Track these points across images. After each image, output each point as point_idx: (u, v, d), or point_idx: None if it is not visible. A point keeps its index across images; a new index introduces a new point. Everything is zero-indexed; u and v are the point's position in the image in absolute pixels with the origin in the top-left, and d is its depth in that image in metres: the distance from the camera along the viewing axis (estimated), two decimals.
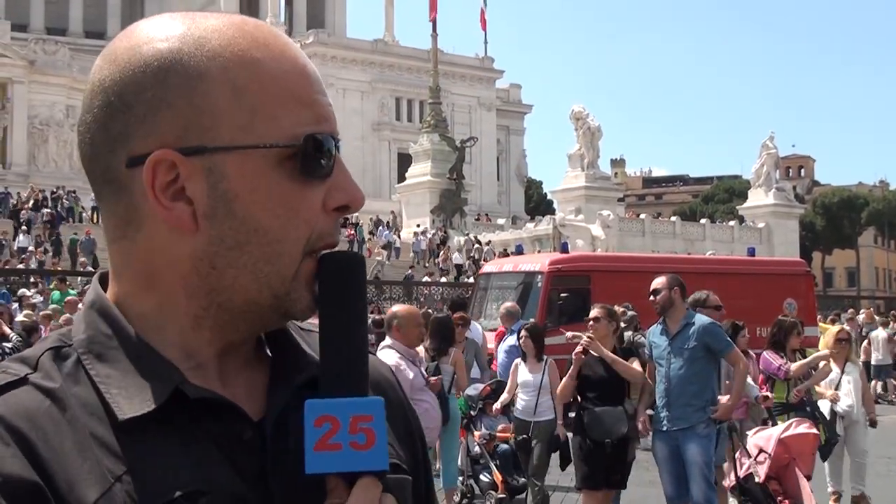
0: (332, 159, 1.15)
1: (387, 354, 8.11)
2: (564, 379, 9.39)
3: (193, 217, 1.12)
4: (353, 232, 52.45)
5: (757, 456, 8.76)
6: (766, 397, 9.90)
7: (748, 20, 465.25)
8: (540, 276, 21.32)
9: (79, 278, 30.23)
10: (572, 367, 9.21)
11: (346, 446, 1.03)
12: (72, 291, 22.46)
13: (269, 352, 1.25)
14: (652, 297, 8.77)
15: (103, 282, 1.22)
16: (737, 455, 9.04)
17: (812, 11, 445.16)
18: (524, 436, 10.60)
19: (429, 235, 51.43)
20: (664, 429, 8.71)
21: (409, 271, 44.63)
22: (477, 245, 51.05)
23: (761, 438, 8.87)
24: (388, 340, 8.25)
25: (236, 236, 1.12)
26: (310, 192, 1.13)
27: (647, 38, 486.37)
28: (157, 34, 1.14)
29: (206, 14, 1.18)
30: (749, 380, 9.45)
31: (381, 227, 55.95)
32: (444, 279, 44.02)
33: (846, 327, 11.71)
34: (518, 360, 11.06)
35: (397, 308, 8.70)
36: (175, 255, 1.14)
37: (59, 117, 67.82)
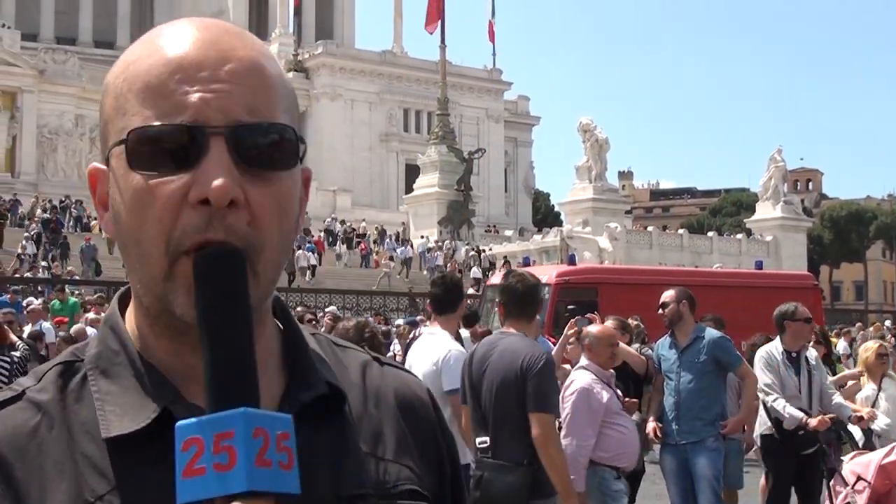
0: (189, 150, 1.08)
1: (580, 375, 7.38)
2: (555, 350, 9.28)
3: (110, 223, 1.16)
4: (365, 245, 52.49)
5: (855, 484, 8.06)
6: (861, 418, 8.93)
7: (757, 33, 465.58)
8: (547, 288, 21.28)
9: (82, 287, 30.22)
10: (561, 340, 9.15)
11: (210, 469, 0.93)
12: (72, 300, 22.07)
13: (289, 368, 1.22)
14: (661, 311, 8.75)
15: (127, 297, 1.23)
16: (831, 483, 8.16)
17: (821, 26, 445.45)
18: None
19: (444, 250, 50.93)
20: (673, 442, 8.68)
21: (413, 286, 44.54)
22: (474, 253, 51.04)
23: (859, 465, 7.87)
24: (583, 360, 7.55)
25: (122, 239, 1.13)
26: (161, 186, 1.07)
27: (655, 51, 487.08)
28: None
29: (159, 26, 1.19)
30: (840, 398, 8.99)
31: (388, 239, 55.79)
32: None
33: (885, 343, 11.19)
34: None
35: (592, 328, 7.90)
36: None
37: (68, 126, 68.05)
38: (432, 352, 6.93)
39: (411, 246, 51.56)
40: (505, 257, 51.63)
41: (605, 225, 51.73)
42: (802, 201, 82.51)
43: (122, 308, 1.23)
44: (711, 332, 8.76)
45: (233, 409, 0.95)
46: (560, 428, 6.82)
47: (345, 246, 53.70)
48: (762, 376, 8.64)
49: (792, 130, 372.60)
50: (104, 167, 1.16)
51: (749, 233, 66.05)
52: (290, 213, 1.15)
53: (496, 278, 26.31)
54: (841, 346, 23.46)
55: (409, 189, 65.96)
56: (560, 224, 62.56)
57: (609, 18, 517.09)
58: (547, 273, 23.03)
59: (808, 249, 70.67)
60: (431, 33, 66.60)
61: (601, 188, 57.76)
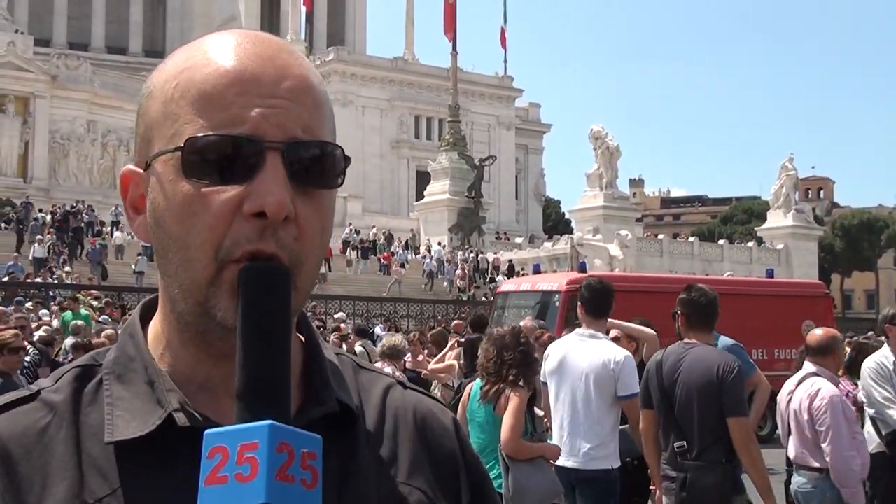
0: (247, 162, 1.11)
1: (824, 384, 6.97)
2: None
3: (147, 228, 1.18)
4: (388, 255, 52.54)
5: None
6: None
7: (768, 41, 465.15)
8: (558, 296, 21.25)
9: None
10: None
11: (231, 479, 0.95)
12: (83, 312, 21.59)
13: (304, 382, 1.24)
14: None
15: (151, 307, 1.27)
16: None
17: (833, 33, 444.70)
18: None
19: (459, 261, 50.66)
20: None
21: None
22: (471, 256, 51.05)
23: None
24: (810, 366, 7.17)
25: (162, 244, 1.15)
26: (215, 196, 1.10)
27: (666, 59, 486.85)
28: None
29: (208, 35, 1.21)
30: None
31: (394, 244, 55.64)
32: (462, 297, 44.08)
33: None
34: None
35: (817, 331, 7.55)
36: (158, 270, 1.20)
37: (80, 132, 68.15)
38: (603, 356, 7.04)
39: (431, 255, 51.31)
40: (510, 261, 51.69)
41: (615, 232, 51.65)
42: (814, 209, 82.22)
43: (146, 317, 1.26)
44: (725, 340, 8.71)
45: (260, 422, 0.96)
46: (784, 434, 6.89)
47: (356, 253, 53.77)
48: (876, 390, 7.75)
49: (803, 139, 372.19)
50: (140, 170, 1.18)
51: (760, 241, 65.88)
52: (330, 231, 1.18)
53: (507, 286, 26.29)
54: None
55: (419, 196, 65.95)
56: (570, 231, 62.47)
57: (621, 26, 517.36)
58: (557, 280, 23.00)
59: (820, 258, 70.46)
60: (451, 40, 66.60)
61: (612, 196, 57.67)
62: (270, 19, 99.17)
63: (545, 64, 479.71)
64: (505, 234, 70.58)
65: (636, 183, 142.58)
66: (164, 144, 1.14)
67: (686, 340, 6.42)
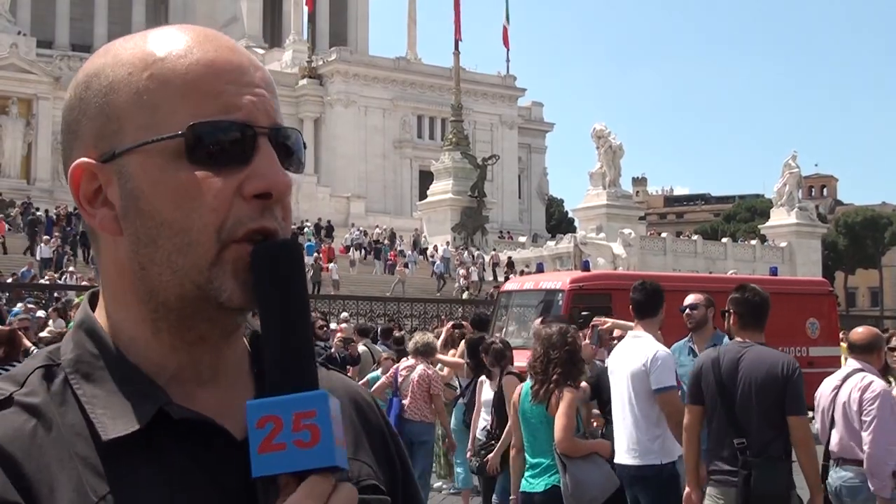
0: (245, 147, 1.15)
1: (874, 379, 7.13)
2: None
3: (116, 220, 1.17)
4: (395, 254, 52.65)
5: None
6: None
7: (771, 39, 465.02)
8: (561, 294, 21.24)
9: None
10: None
11: (290, 445, 1.00)
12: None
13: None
14: (689, 311, 8.72)
15: (94, 300, 1.26)
16: None
17: (835, 31, 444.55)
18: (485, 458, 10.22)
19: (469, 266, 50.56)
20: None
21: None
22: (476, 254, 51.13)
23: None
24: (853, 363, 7.36)
25: (148, 233, 1.15)
26: (215, 180, 1.13)
27: (669, 57, 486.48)
28: (96, 54, 1.22)
29: (150, 29, 1.23)
30: None
31: (405, 248, 55.64)
32: (465, 295, 44.10)
33: None
34: (483, 378, 10.86)
35: (859, 329, 7.75)
36: (117, 261, 1.19)
37: None
38: (640, 353, 7.31)
39: (437, 254, 51.20)
40: (509, 257, 51.68)
41: (618, 231, 51.68)
42: (817, 207, 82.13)
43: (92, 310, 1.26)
44: (728, 340, 8.74)
45: (315, 391, 1.03)
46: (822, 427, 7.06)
47: (358, 252, 53.86)
48: None
49: (806, 136, 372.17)
50: (94, 162, 1.17)
51: (763, 239, 65.86)
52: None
53: (511, 285, 26.29)
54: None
55: (422, 195, 65.99)
56: (574, 230, 62.55)
57: (623, 24, 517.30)
58: (561, 279, 22.98)
59: (823, 255, 70.41)
60: (459, 39, 66.69)
61: (615, 194, 57.70)
62: (272, 19, 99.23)
63: (548, 63, 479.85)
64: (508, 233, 70.60)
65: (639, 181, 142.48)
66: (143, 135, 1.15)
67: (740, 339, 6.57)
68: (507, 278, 40.76)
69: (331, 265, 45.40)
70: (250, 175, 1.14)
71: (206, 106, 1.14)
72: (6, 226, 47.02)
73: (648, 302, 7.63)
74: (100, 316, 1.23)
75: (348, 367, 14.54)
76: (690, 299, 8.80)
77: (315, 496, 1.01)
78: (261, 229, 1.14)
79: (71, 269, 39.16)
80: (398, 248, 55.72)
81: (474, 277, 47.49)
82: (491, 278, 49.02)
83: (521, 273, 41.72)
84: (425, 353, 11.90)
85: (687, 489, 6.67)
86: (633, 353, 7.44)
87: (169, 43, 1.18)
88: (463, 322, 18.17)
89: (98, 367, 1.17)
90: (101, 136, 1.17)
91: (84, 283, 34.26)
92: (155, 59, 1.17)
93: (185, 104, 1.14)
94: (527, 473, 7.35)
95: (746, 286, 6.78)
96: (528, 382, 7.14)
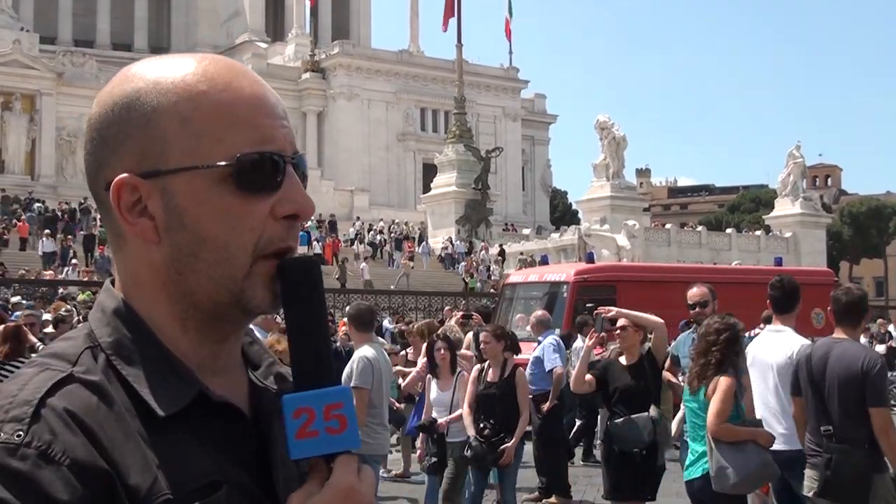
0: (278, 174, 1.32)
1: None
2: (577, 366, 9.35)
3: (156, 230, 1.31)
4: (411, 245, 52.75)
5: None
6: None
7: (774, 29, 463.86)
8: (566, 286, 21.29)
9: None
10: (584, 351, 9.23)
11: (322, 432, 1.21)
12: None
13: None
14: (699, 309, 8.80)
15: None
16: None
17: (838, 20, 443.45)
18: (434, 458, 10.37)
19: (486, 256, 50.17)
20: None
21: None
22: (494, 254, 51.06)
23: None
24: None
25: (190, 245, 1.31)
26: (253, 203, 1.30)
27: (672, 48, 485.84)
28: (128, 77, 1.35)
29: (176, 56, 1.37)
30: None
31: (423, 243, 55.50)
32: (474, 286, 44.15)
33: None
34: (429, 377, 10.86)
35: None
36: (151, 265, 1.33)
37: (86, 129, 68.40)
38: (785, 347, 7.73)
39: (452, 247, 50.89)
40: (500, 246, 51.66)
41: (623, 223, 51.57)
42: (821, 197, 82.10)
43: None
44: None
45: (340, 386, 1.24)
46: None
47: (362, 246, 53.87)
48: None
49: (810, 126, 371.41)
50: (140, 180, 1.31)
51: (768, 229, 65.75)
52: None
53: (516, 277, 26.29)
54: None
55: (426, 188, 65.93)
56: (578, 222, 62.36)
57: (625, 15, 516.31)
58: (565, 271, 23.02)
59: (828, 245, 70.31)
60: (445, 30, 66.65)
61: (619, 186, 57.64)
62: (275, 13, 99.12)
63: (550, 55, 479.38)
64: (512, 225, 70.55)
65: (643, 173, 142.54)
66: (188, 159, 1.30)
67: (835, 335, 7.02)
68: (500, 266, 40.76)
69: (363, 265, 45.71)
70: (281, 199, 1.32)
71: (247, 136, 1.31)
72: (28, 226, 46.97)
73: (786, 298, 8.01)
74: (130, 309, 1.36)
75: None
76: (697, 295, 8.82)
77: (353, 471, 1.22)
78: (287, 249, 1.33)
79: (74, 261, 39.24)
80: (414, 238, 55.92)
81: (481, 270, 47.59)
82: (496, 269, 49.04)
83: (523, 264, 41.69)
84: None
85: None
86: (778, 347, 7.82)
87: (209, 76, 1.33)
88: (472, 313, 18.19)
89: (136, 351, 1.30)
90: (146, 155, 1.31)
91: (84, 278, 34.37)
92: (199, 92, 1.31)
93: (229, 135, 1.30)
94: (688, 460, 7.57)
95: (841, 286, 7.33)
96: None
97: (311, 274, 1.29)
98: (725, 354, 7.08)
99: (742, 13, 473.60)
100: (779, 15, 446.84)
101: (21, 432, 1.16)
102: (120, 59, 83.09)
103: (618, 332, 9.22)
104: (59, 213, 50.16)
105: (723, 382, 6.98)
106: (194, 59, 1.36)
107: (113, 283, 1.40)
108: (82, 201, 52.51)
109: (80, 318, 20.41)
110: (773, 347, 7.90)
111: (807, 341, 7.93)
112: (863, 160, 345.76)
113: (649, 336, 9.37)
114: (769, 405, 7.78)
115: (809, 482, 6.93)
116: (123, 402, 1.24)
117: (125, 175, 1.31)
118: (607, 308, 10.00)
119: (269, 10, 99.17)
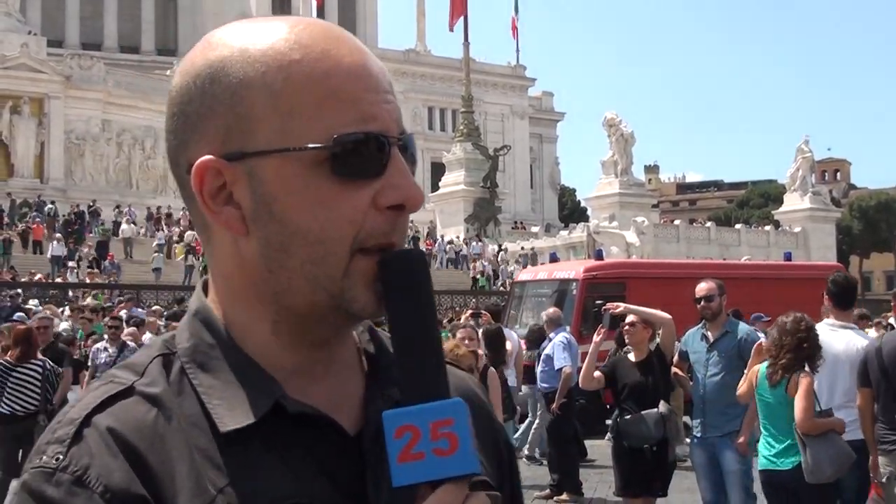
0: (382, 157, 1.13)
1: None
2: (585, 363, 9.34)
3: (242, 220, 1.14)
4: (430, 243, 52.76)
5: None
6: None
7: (783, 23, 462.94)
8: (575, 284, 21.24)
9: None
10: (592, 347, 9.20)
11: (429, 454, 1.01)
12: (99, 325, 21.01)
13: (365, 365, 1.26)
14: (705, 304, 8.75)
15: (205, 289, 1.25)
16: None
17: (847, 15, 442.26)
18: None
19: (473, 253, 50.35)
20: (701, 436, 8.69)
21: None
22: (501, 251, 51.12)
23: None
24: None
25: (280, 238, 1.13)
26: (353, 191, 1.12)
27: (679, 44, 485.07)
28: (213, 43, 1.17)
29: (266, 18, 1.19)
30: None
31: (439, 244, 55.56)
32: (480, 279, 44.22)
33: None
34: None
35: None
36: (240, 260, 1.16)
37: (94, 132, 68.34)
38: (854, 342, 7.86)
39: (468, 247, 50.91)
40: (499, 244, 51.67)
41: (631, 219, 51.60)
42: (830, 192, 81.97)
43: None
44: (743, 328, 8.84)
45: (449, 399, 1.04)
46: None
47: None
48: None
49: (819, 121, 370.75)
50: (221, 160, 1.14)
51: (777, 224, 65.70)
52: None
53: (525, 274, 26.30)
54: (872, 335, 23.27)
55: (434, 187, 66.00)
56: (586, 219, 62.45)
57: (633, 12, 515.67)
58: (574, 268, 22.99)
59: (838, 240, 70.16)
60: (452, 29, 66.66)
61: (627, 182, 57.66)
62: (282, 14, 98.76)
63: (557, 52, 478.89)
64: (521, 223, 70.56)
65: (651, 169, 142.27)
66: (277, 139, 1.12)
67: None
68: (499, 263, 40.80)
69: None
70: (385, 186, 1.13)
71: (345, 115, 1.12)
72: (44, 230, 47.04)
73: (846, 294, 8.13)
74: (212, 307, 1.22)
75: None
76: (704, 290, 8.81)
77: (451, 502, 1.01)
78: (390, 245, 1.13)
79: (71, 263, 39.26)
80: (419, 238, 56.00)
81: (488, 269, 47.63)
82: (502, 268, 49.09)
83: (527, 260, 41.68)
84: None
85: (872, 457, 7.33)
86: (846, 343, 7.86)
87: (302, 42, 1.14)
88: (482, 311, 18.20)
89: (214, 357, 1.17)
90: (230, 133, 1.14)
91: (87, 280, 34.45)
92: (291, 61, 1.13)
93: (325, 113, 1.12)
94: (768, 452, 7.52)
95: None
96: (765, 365, 7.47)
97: (418, 269, 1.11)
98: (795, 353, 7.15)
99: (750, 8, 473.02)
100: (787, 9, 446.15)
101: (60, 455, 1.08)
102: (127, 61, 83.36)
103: (626, 328, 9.22)
104: (72, 216, 50.23)
105: (804, 381, 7.07)
106: (287, 23, 1.17)
107: (206, 284, 1.24)
108: (91, 204, 52.64)
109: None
110: (839, 342, 7.81)
111: (869, 337, 8.20)
112: (872, 154, 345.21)
113: (658, 332, 9.36)
114: (835, 399, 7.77)
115: (883, 468, 7.15)
116: (192, 415, 1.13)
117: (208, 157, 1.14)
118: (616, 304, 10.00)
119: (275, 11, 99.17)
